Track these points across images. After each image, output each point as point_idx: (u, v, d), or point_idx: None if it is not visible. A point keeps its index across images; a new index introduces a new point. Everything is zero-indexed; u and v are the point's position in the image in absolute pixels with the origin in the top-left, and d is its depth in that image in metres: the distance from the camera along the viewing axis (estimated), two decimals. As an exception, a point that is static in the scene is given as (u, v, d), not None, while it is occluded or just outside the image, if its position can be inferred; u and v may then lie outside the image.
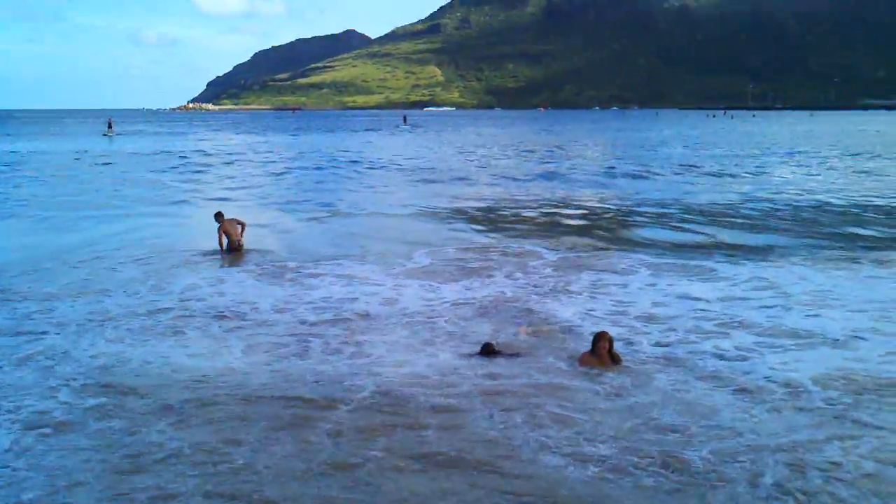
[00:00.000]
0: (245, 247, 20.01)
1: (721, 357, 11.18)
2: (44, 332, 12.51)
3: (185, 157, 56.85)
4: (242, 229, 20.23)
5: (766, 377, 10.29)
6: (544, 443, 8.24)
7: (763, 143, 75.61)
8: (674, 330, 12.58)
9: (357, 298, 14.90)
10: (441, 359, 11.24)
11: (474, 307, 14.11)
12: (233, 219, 20.36)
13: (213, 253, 19.64)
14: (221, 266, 18.47)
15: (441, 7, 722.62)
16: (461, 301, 14.64)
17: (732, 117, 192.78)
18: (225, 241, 19.75)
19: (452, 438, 8.37)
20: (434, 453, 7.99)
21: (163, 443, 8.21)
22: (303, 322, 13.24)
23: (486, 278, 16.78)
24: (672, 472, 7.52)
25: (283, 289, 15.88)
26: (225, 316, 13.61)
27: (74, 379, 10.29)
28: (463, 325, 12.89)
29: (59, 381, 10.23)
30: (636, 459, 7.81)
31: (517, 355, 11.36)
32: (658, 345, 11.81)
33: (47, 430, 8.61)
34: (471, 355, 11.30)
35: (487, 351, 11.33)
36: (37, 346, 11.72)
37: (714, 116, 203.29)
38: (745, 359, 11.10)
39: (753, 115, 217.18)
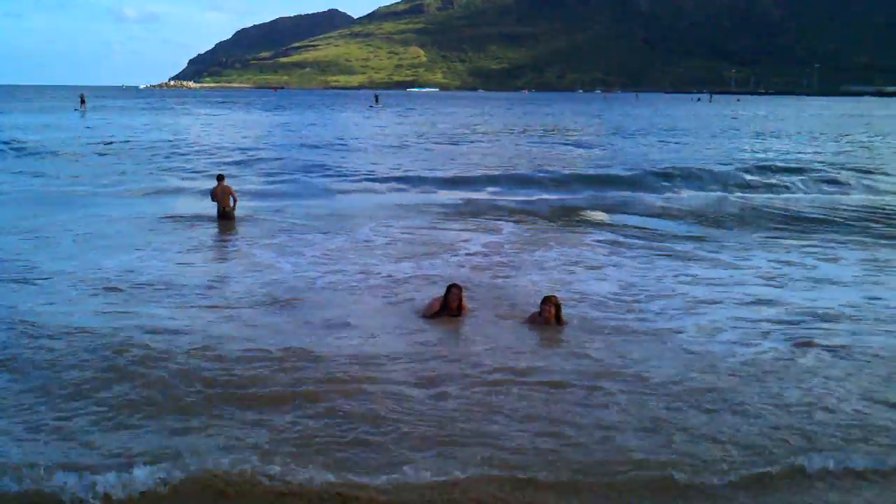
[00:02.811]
0: (235, 216, 21.03)
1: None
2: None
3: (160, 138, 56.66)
4: (234, 202, 21.01)
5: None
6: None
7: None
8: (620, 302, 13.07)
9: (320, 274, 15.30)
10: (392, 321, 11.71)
11: (429, 280, 14.49)
12: (227, 187, 21.08)
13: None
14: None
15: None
16: (418, 274, 15.06)
17: (711, 100, 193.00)
18: (215, 204, 20.84)
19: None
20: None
21: None
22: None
23: (451, 253, 17.31)
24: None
25: (234, 259, 16.40)
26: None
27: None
28: (416, 295, 13.25)
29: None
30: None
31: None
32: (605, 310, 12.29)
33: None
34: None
35: (449, 300, 11.76)
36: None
37: (699, 100, 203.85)
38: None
39: (738, 100, 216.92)
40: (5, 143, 43.24)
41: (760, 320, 11.92)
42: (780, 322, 11.83)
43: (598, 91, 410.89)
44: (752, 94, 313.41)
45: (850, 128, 73.26)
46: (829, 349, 10.51)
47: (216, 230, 19.99)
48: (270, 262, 16.08)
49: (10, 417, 8.07)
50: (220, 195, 20.79)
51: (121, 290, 13.30)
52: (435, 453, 7.34)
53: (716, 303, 12.95)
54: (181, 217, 21.59)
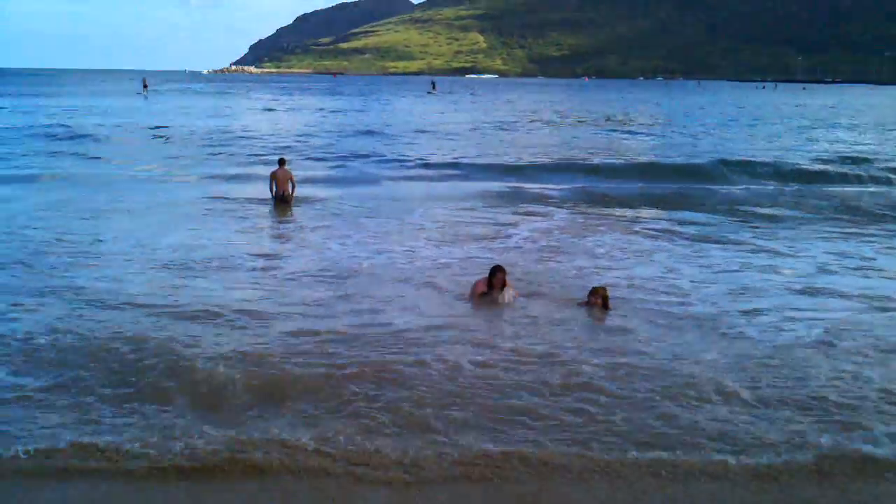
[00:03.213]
0: (293, 199, 21.39)
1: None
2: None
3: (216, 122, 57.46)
4: (293, 187, 21.36)
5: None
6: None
7: None
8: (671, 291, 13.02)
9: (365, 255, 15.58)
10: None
11: (477, 264, 14.52)
12: (288, 171, 21.52)
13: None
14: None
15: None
16: (467, 258, 15.14)
17: (775, 88, 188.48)
18: (274, 187, 21.15)
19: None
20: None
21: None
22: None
23: (501, 238, 17.40)
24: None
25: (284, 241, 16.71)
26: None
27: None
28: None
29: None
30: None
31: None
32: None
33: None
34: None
35: (494, 282, 11.76)
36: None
37: (764, 88, 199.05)
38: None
39: (804, 88, 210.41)
40: (68, 126, 44.31)
41: (806, 308, 11.81)
42: (825, 309, 11.73)
43: (660, 78, 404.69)
44: (818, 82, 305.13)
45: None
46: (867, 338, 10.39)
47: (271, 212, 20.40)
48: (321, 243, 16.40)
49: (61, 382, 8.46)
50: (281, 179, 21.16)
51: (175, 267, 13.73)
52: (472, 428, 7.52)
53: (763, 290, 12.82)
54: (236, 199, 22.10)
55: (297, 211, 20.67)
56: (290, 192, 21.29)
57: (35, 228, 17.12)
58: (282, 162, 21.73)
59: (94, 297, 11.46)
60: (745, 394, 8.36)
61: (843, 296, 12.49)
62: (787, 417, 7.84)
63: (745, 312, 11.45)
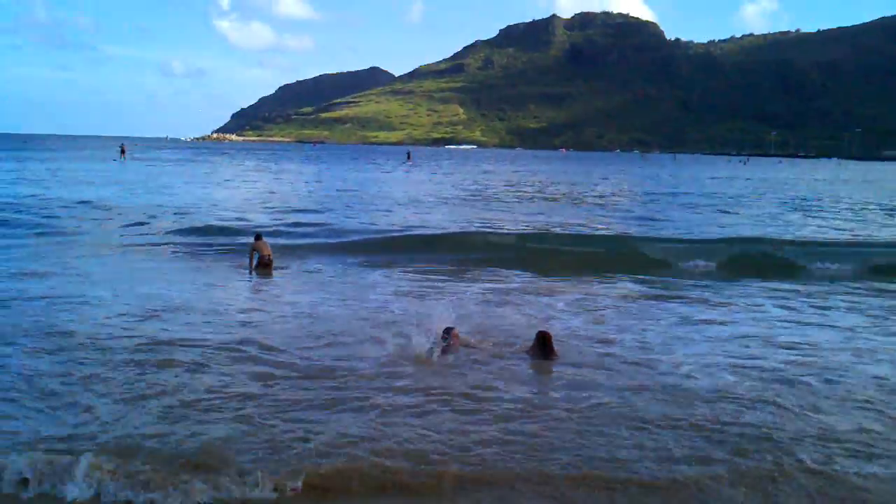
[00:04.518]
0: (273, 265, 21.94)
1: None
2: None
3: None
4: (270, 258, 21.88)
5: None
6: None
7: None
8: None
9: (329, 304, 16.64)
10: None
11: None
12: (265, 243, 22.15)
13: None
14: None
15: (465, 47, 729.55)
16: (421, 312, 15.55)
17: (745, 162, 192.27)
18: (255, 256, 21.72)
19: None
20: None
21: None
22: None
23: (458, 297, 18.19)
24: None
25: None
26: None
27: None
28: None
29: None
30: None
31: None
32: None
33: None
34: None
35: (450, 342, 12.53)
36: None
37: (741, 162, 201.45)
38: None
39: (780, 162, 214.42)
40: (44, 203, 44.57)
41: (736, 356, 12.83)
42: (751, 357, 12.85)
43: (636, 151, 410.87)
44: (791, 156, 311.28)
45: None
46: (780, 380, 11.53)
47: (249, 274, 21.36)
48: (290, 298, 17.57)
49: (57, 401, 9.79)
50: (261, 247, 21.78)
51: (157, 315, 14.87)
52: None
53: (694, 340, 14.03)
54: (204, 264, 23.19)
55: (275, 273, 21.47)
56: (272, 257, 21.82)
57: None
58: (258, 237, 22.30)
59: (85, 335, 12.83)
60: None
61: (769, 346, 13.64)
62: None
63: (674, 361, 12.45)
